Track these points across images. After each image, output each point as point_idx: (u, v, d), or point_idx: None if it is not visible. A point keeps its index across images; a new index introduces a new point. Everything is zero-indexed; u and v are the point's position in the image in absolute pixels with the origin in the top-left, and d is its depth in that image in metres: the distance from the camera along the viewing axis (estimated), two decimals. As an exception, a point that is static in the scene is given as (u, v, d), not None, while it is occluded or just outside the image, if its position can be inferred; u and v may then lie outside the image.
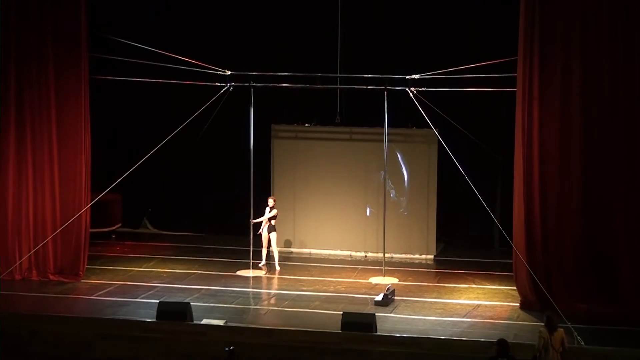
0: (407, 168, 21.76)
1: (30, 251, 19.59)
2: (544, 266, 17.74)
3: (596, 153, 17.54)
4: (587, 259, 17.67)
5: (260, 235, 20.56)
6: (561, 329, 14.02)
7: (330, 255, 22.08)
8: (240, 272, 20.31)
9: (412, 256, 21.82)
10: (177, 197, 23.99)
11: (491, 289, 19.33)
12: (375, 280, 19.88)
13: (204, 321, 16.68)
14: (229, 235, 22.87)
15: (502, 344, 13.59)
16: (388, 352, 15.66)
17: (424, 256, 21.80)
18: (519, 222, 17.91)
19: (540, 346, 13.77)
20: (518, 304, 18.04)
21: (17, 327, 16.53)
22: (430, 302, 18.39)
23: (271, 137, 22.24)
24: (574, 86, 17.53)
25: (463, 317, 17.42)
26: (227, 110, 20.62)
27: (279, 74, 20.36)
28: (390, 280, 19.62)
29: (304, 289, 19.21)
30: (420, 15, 21.77)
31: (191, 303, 17.16)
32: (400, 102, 19.87)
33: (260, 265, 20.56)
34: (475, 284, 19.60)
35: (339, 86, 21.07)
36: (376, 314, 16.69)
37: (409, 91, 19.47)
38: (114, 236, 23.55)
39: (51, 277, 19.64)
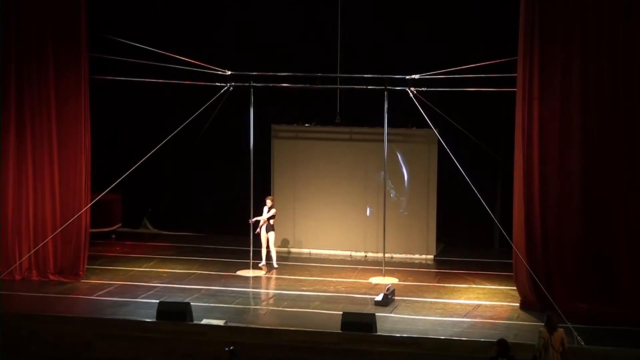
0: (407, 168, 21.76)
1: (30, 251, 19.59)
2: (544, 266, 17.74)
3: (596, 153, 17.54)
4: (587, 259, 17.67)
5: (259, 234, 20.56)
6: (561, 329, 14.02)
7: (330, 255, 22.08)
8: (240, 272, 20.32)
9: (412, 256, 21.82)
10: (177, 197, 23.99)
11: (491, 289, 19.33)
12: (375, 280, 19.88)
13: (204, 321, 16.68)
14: (229, 235, 22.88)
15: (502, 344, 13.59)
16: (388, 352, 15.66)
17: (424, 256, 21.81)
18: (519, 222, 17.91)
19: (540, 346, 13.77)
20: (518, 304, 18.04)
21: (17, 327, 16.53)
22: (430, 302, 18.39)
23: (271, 137, 22.24)
24: (574, 86, 17.53)
25: (463, 317, 17.42)
26: (227, 110, 20.63)
27: (279, 74, 20.36)
28: (390, 280, 19.62)
29: (304, 289, 19.21)
30: (420, 15, 21.77)
31: (191, 303, 17.17)
32: (400, 102, 19.87)
33: (260, 265, 20.56)
34: (475, 284, 19.60)
35: (339, 86, 21.07)
36: (376, 314, 16.69)
37: (409, 91, 19.47)
38: (114, 236, 23.55)
39: (51, 277, 19.64)
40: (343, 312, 16.66)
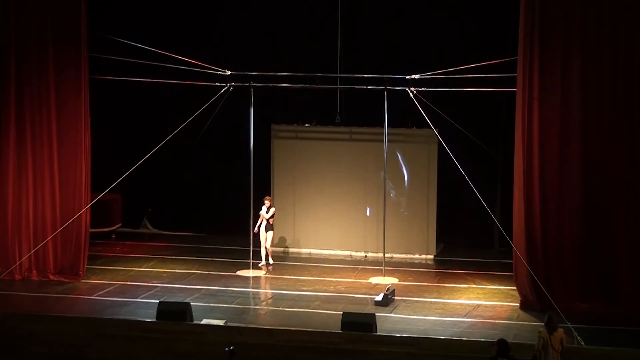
0: (407, 168, 21.75)
1: (30, 251, 19.59)
2: (544, 266, 17.75)
3: (596, 153, 17.54)
4: (587, 259, 17.68)
5: (258, 234, 20.57)
6: (561, 329, 14.02)
7: (330, 255, 22.08)
8: (240, 272, 20.32)
9: (412, 256, 21.82)
10: (177, 197, 23.99)
11: (491, 289, 19.33)
12: (375, 280, 19.88)
13: (204, 321, 16.67)
14: (229, 235, 22.88)
15: (502, 344, 13.59)
16: (388, 352, 15.65)
17: (424, 256, 21.81)
18: (519, 222, 17.91)
19: (540, 346, 13.78)
20: (518, 304, 18.04)
21: (17, 327, 16.52)
22: (430, 302, 18.39)
23: (271, 137, 22.24)
24: (574, 86, 17.53)
25: (463, 317, 17.42)
26: (227, 110, 20.63)
27: (279, 74, 20.36)
28: (390, 280, 19.62)
29: (304, 289, 19.21)
30: (420, 16, 21.77)
31: (191, 303, 17.16)
32: (400, 102, 19.87)
33: (260, 265, 20.56)
34: (475, 284, 19.60)
35: (339, 86, 21.08)
36: (376, 314, 16.69)
37: (409, 91, 19.47)
38: (114, 236, 23.55)
39: (51, 277, 19.64)
40: (343, 312, 16.65)
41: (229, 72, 20.21)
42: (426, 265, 21.47)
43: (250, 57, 21.80)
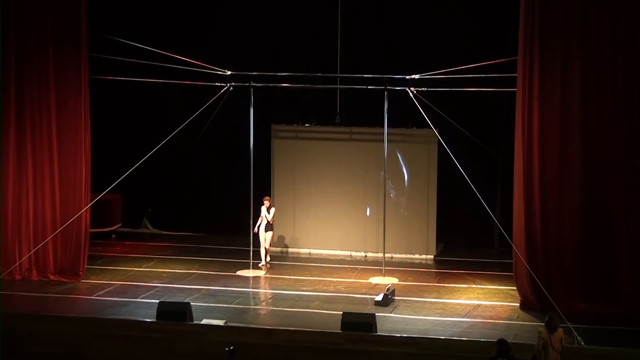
0: (407, 168, 21.75)
1: (30, 251, 19.59)
2: (544, 266, 17.74)
3: (596, 153, 17.55)
4: (587, 259, 17.68)
5: (258, 234, 20.58)
6: (560, 329, 14.02)
7: (330, 255, 22.08)
8: (240, 272, 20.32)
9: (412, 256, 21.82)
10: (177, 197, 23.99)
11: (491, 289, 19.33)
12: (375, 280, 19.88)
13: (204, 321, 16.67)
14: (229, 235, 22.88)
15: (502, 344, 13.59)
16: (388, 352, 15.65)
17: (424, 256, 21.80)
18: (519, 222, 17.91)
19: (540, 347, 13.77)
20: (518, 304, 18.04)
21: (17, 327, 16.52)
22: (430, 302, 18.39)
23: (271, 137, 22.24)
24: (574, 86, 17.53)
25: (463, 317, 17.42)
26: (227, 110, 20.63)
27: (279, 74, 20.36)
28: (390, 280, 19.62)
29: (304, 289, 19.21)
30: (420, 15, 21.77)
31: (191, 303, 17.16)
32: (400, 102, 19.87)
33: (260, 265, 20.56)
34: (475, 284, 19.60)
35: (339, 86, 21.08)
36: (376, 314, 16.68)
37: (409, 91, 19.47)
38: (114, 236, 23.55)
39: (51, 277, 19.64)
40: (343, 312, 16.65)
41: (229, 72, 20.21)
42: (426, 265, 21.47)
43: (250, 57, 21.80)
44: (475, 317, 17.45)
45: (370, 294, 18.70)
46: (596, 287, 17.64)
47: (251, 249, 20.33)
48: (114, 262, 21.09)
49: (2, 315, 16.66)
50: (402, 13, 21.88)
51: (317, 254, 22.13)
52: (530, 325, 16.59)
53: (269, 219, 20.54)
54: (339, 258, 21.93)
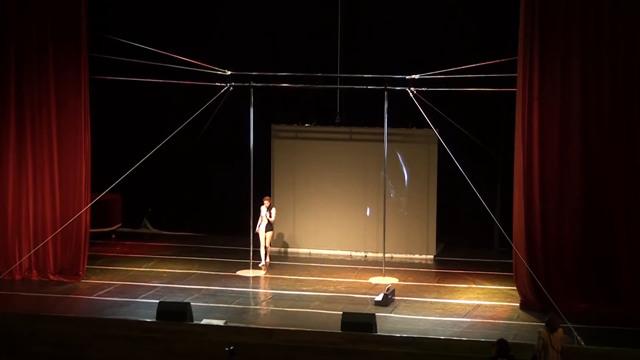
0: (407, 168, 21.75)
1: (30, 251, 19.59)
2: (544, 266, 17.75)
3: (596, 153, 17.55)
4: (587, 259, 17.68)
5: (258, 234, 20.60)
6: (560, 329, 14.01)
7: (330, 255, 22.08)
8: (240, 272, 20.32)
9: (412, 256, 21.82)
10: (177, 197, 23.99)
11: (491, 289, 19.33)
12: (375, 280, 19.88)
13: (204, 321, 16.67)
14: (229, 235, 22.88)
15: (502, 344, 13.58)
16: (388, 352, 15.65)
17: (424, 256, 21.80)
18: (519, 222, 17.91)
19: (540, 347, 13.77)
20: (518, 304, 18.04)
21: (17, 327, 16.52)
22: (430, 302, 18.39)
23: (271, 137, 22.24)
24: (574, 86, 17.53)
25: (463, 317, 17.42)
26: (227, 110, 20.63)
27: (279, 74, 20.36)
28: (390, 280, 19.62)
29: (304, 289, 19.21)
30: (420, 15, 21.78)
31: (191, 303, 17.16)
32: (400, 102, 19.87)
33: (260, 265, 20.57)
34: (475, 284, 19.60)
35: (339, 86, 21.08)
36: (376, 314, 16.68)
37: (409, 91, 19.47)
38: (114, 236, 23.55)
39: (51, 277, 19.64)
40: (343, 312, 16.65)
41: (229, 72, 20.21)
42: (426, 265, 21.47)
43: (250, 57, 21.80)
44: (475, 317, 17.44)
45: (370, 294, 18.70)
46: (596, 287, 17.65)
47: (251, 249, 20.33)
48: (114, 262, 21.09)
49: (2, 315, 16.66)
50: (402, 13, 21.88)
51: (317, 254, 22.13)
52: (530, 325, 16.59)
53: (271, 220, 20.57)
54: (339, 258, 21.93)
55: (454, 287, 19.45)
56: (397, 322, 17.02)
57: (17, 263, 19.53)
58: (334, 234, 22.15)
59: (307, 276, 20.22)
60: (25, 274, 19.67)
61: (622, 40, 17.34)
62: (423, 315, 17.48)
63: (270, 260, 20.92)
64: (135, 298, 18.30)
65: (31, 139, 19.59)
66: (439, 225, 21.84)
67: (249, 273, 20.23)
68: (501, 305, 18.25)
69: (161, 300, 17.51)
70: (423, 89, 19.48)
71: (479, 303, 18.29)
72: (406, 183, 21.82)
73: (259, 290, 19.47)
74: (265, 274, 20.37)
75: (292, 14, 22.34)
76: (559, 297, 17.19)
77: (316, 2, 22.33)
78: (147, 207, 24.31)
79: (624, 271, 17.51)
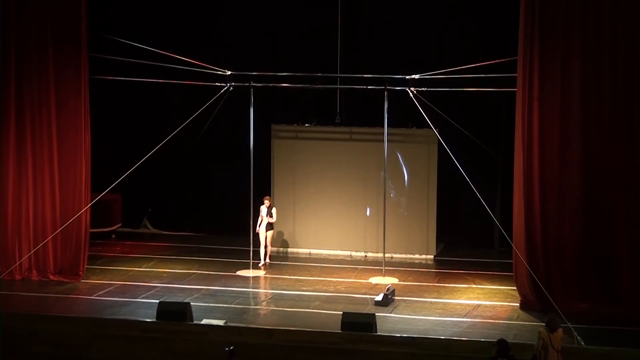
0: (407, 168, 21.75)
1: (30, 251, 19.59)
2: (544, 266, 17.75)
3: (596, 153, 17.55)
4: (587, 259, 17.68)
5: (258, 233, 20.61)
6: (561, 329, 14.01)
7: (330, 255, 22.08)
8: (240, 272, 20.32)
9: (412, 256, 21.82)
10: (177, 197, 24.00)
11: (491, 289, 19.33)
12: (375, 280, 19.88)
13: (204, 321, 16.67)
14: (229, 235, 22.89)
15: (502, 344, 13.58)
16: (388, 352, 15.65)
17: (424, 256, 21.80)
18: (519, 222, 17.91)
19: (540, 346, 13.77)
20: (518, 304, 18.04)
21: (17, 327, 16.52)
22: (430, 302, 18.39)
23: (271, 137, 22.24)
24: (574, 86, 17.53)
25: (463, 317, 17.42)
26: (227, 110, 20.63)
27: (279, 74, 20.36)
28: (390, 280, 19.62)
29: (304, 289, 19.21)
30: (420, 15, 21.78)
31: (191, 303, 17.16)
32: (400, 102, 19.87)
33: (260, 264, 20.58)
34: (475, 284, 19.60)
35: (339, 86, 21.08)
36: (376, 314, 16.68)
37: (409, 91, 19.47)
38: (114, 236, 23.55)
39: (51, 277, 19.64)
40: (343, 312, 16.65)
41: (229, 72, 20.21)
42: (426, 265, 21.47)
43: (250, 57, 21.81)
44: (475, 317, 17.44)
45: (370, 294, 18.70)
46: (596, 287, 17.65)
47: (251, 249, 20.34)
48: (114, 262, 21.09)
49: (2, 315, 16.66)
50: (402, 13, 21.88)
51: (317, 254, 22.13)
52: (530, 325, 16.59)
53: (272, 221, 20.64)
54: (339, 258, 21.93)
55: (454, 287, 19.45)
56: (397, 322, 17.02)
57: (17, 263, 19.53)
58: (334, 234, 22.15)
59: (307, 276, 20.22)
60: (25, 274, 19.67)
61: (622, 40, 17.34)
62: (423, 315, 17.47)
63: (270, 260, 20.95)
64: (135, 298, 18.30)
65: (31, 139, 19.59)
66: (439, 225, 21.84)
67: (249, 273, 20.23)
68: (501, 305, 18.25)
69: (161, 300, 17.51)
70: (423, 89, 19.48)
71: (479, 303, 18.29)
72: (406, 183, 21.82)
73: (259, 290, 19.48)
74: (265, 274, 20.37)
75: (292, 14, 22.35)
76: (559, 297, 17.19)
77: (316, 2, 22.33)
78: (147, 207, 24.31)
79: (624, 271, 17.51)
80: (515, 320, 17.34)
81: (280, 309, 17.89)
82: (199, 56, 20.24)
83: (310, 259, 21.90)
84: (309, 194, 22.19)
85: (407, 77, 19.54)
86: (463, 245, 22.42)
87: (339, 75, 21.05)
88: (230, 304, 18.13)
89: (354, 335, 15.95)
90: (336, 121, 21.62)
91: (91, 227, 20.17)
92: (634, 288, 17.39)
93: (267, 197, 20.96)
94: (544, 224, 17.77)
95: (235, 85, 20.22)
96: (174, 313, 16.67)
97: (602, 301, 17.47)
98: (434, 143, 21.04)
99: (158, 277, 19.88)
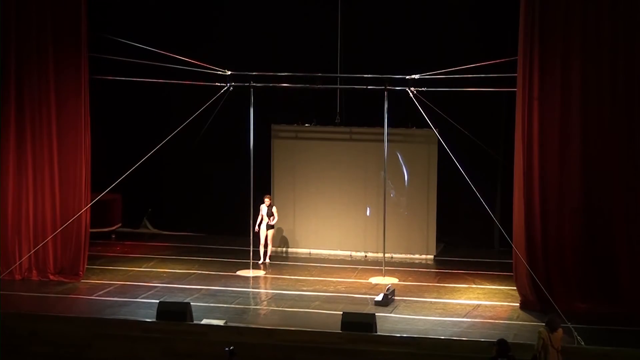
0: (407, 168, 21.75)
1: (30, 251, 19.59)
2: (544, 266, 17.75)
3: (596, 153, 17.55)
4: (587, 259, 17.68)
5: (259, 233, 20.61)
6: (561, 329, 14.01)
7: (330, 255, 22.08)
8: (240, 272, 20.32)
9: (412, 256, 21.82)
10: (177, 197, 24.00)
11: (491, 289, 19.33)
12: (375, 280, 19.88)
13: (204, 321, 16.67)
14: (229, 235, 22.89)
15: (502, 344, 13.58)
16: (388, 352, 15.65)
17: (424, 256, 21.80)
18: (519, 222, 17.91)
19: (539, 347, 13.77)
20: (518, 304, 18.04)
21: (17, 327, 16.52)
22: (430, 302, 18.39)
23: (271, 137, 22.24)
24: (574, 86, 17.53)
25: (463, 317, 17.42)
26: (227, 110, 20.63)
27: (279, 74, 20.36)
28: (390, 280, 19.62)
29: (304, 289, 19.21)
30: (420, 15, 21.79)
31: (191, 303, 17.16)
32: (400, 102, 19.87)
33: (260, 263, 20.60)
34: (475, 284, 19.60)
35: (339, 86, 21.09)
36: (376, 314, 16.68)
37: (409, 91, 19.47)
38: (114, 236, 23.55)
39: (51, 277, 19.64)
40: (343, 312, 16.64)
41: (229, 72, 20.22)
42: (426, 265, 21.47)
43: (250, 57, 21.81)
44: (475, 317, 17.45)
45: (370, 294, 18.70)
46: (596, 287, 17.65)
47: (251, 249, 20.34)
48: (114, 262, 21.09)
49: (2, 315, 16.66)
50: (402, 13, 21.89)
51: (317, 254, 22.14)
52: (530, 325, 16.59)
53: (273, 223, 20.71)
54: (339, 258, 21.93)
55: (454, 287, 19.45)
56: (397, 322, 17.03)
57: (17, 263, 19.53)
58: (334, 234, 22.15)
59: (307, 276, 20.22)
60: (25, 274, 19.67)
61: (622, 40, 17.34)
62: (423, 315, 17.48)
63: (270, 260, 20.94)
64: (135, 298, 18.30)
65: (31, 139, 19.59)
66: (439, 225, 21.84)
67: (249, 273, 20.23)
68: (501, 305, 18.25)
69: (161, 300, 17.51)
70: (423, 89, 19.48)
71: (479, 303, 18.30)
72: (406, 183, 21.82)
73: (259, 290, 19.48)
74: (265, 273, 20.37)
75: (292, 14, 22.35)
76: (559, 297, 17.19)
77: (316, 2, 22.33)
78: (147, 207, 24.31)
79: (624, 271, 17.51)
80: (515, 320, 17.34)
81: (280, 309, 17.89)
82: (199, 56, 20.24)
83: (310, 259, 21.90)
84: (309, 194, 22.19)
85: (407, 77, 19.54)
86: (463, 245, 22.43)
87: (339, 75, 21.05)
88: (230, 304, 18.13)
89: (354, 335, 15.95)
90: (336, 121, 21.63)
91: (91, 227, 20.17)
92: (634, 288, 17.39)
93: (268, 196, 20.97)
94: (544, 224, 17.78)
95: (235, 85, 20.22)
96: (174, 313, 16.67)
97: (602, 301, 17.47)
98: (434, 143, 21.04)
99: (158, 277, 19.88)
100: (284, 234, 22.23)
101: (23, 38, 19.33)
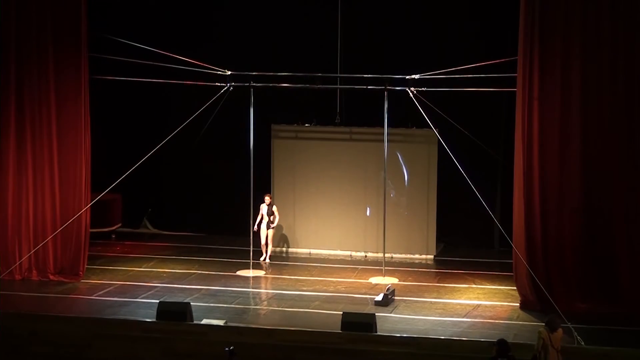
0: (407, 168, 21.75)
1: (30, 251, 19.59)
2: (544, 266, 17.75)
3: (596, 153, 17.55)
4: (587, 259, 17.68)
5: (259, 232, 20.61)
6: (561, 329, 14.01)
7: (330, 255, 22.08)
8: (240, 272, 20.32)
9: (412, 256, 21.82)
10: (177, 197, 23.99)
11: (491, 289, 19.33)
12: (375, 280, 19.88)
13: (204, 321, 16.67)
14: (229, 235, 22.89)
15: (502, 344, 13.58)
16: (388, 352, 15.65)
17: (424, 256, 21.80)
18: (519, 222, 17.91)
19: (540, 347, 13.77)
20: (518, 304, 18.04)
21: (17, 327, 16.52)
22: (430, 302, 18.39)
23: (271, 137, 22.24)
24: (574, 86, 17.53)
25: (463, 317, 17.42)
26: (227, 110, 20.63)
27: (279, 74, 20.36)
28: (390, 280, 19.62)
29: (304, 289, 19.21)
30: (420, 15, 21.78)
31: (191, 303, 17.16)
32: (400, 102, 19.87)
33: (260, 259, 20.64)
34: (475, 284, 19.60)
35: (339, 86, 21.08)
36: (376, 314, 16.68)
37: (409, 91, 19.47)
38: (114, 236, 23.55)
39: (51, 277, 19.64)
40: (343, 312, 16.64)
41: (229, 72, 20.22)
42: (426, 265, 21.47)
43: (250, 57, 21.80)
44: (475, 317, 17.45)
45: (370, 294, 18.70)
46: (596, 287, 17.65)
47: (251, 249, 20.34)
48: (114, 262, 21.09)
49: (2, 315, 16.66)
50: (402, 13, 21.88)
51: (317, 254, 22.13)
52: (530, 325, 16.59)
53: (273, 226, 20.78)
54: (339, 258, 21.93)
55: (454, 287, 19.45)
56: (397, 322, 17.03)
57: (17, 263, 19.53)
58: (334, 234, 22.15)
59: (307, 276, 20.22)
60: (25, 274, 19.67)
61: (622, 40, 17.34)
62: (423, 315, 17.48)
63: (270, 260, 20.95)
64: (135, 298, 18.30)
65: (31, 139, 19.59)
66: (439, 225, 21.84)
67: (249, 273, 20.24)
68: (501, 305, 18.25)
69: (161, 300, 17.51)
70: (423, 89, 19.48)
71: (479, 303, 18.30)
72: (406, 183, 21.82)
73: (259, 290, 19.48)
74: (265, 273, 20.37)
75: (292, 14, 22.34)
76: (559, 297, 17.19)
77: (316, 2, 22.33)
78: (147, 207, 24.31)
79: (624, 271, 17.51)
80: (515, 320, 17.34)
81: (280, 309, 17.89)
82: (199, 56, 20.24)
83: (310, 259, 21.90)
84: (309, 194, 22.19)
85: (407, 77, 19.54)
86: (463, 245, 22.42)
87: (339, 75, 21.05)
88: (230, 304, 18.13)
89: (354, 335, 15.95)
90: (336, 121, 21.63)
91: (91, 227, 20.17)
92: (634, 288, 17.39)
93: (268, 195, 20.98)
94: (544, 224, 17.78)
95: (235, 85, 20.22)
96: (174, 313, 16.67)
97: (602, 301, 17.47)
98: (434, 143, 21.04)
99: (158, 277, 19.88)
100: (284, 233, 22.22)
101: (23, 38, 19.33)
